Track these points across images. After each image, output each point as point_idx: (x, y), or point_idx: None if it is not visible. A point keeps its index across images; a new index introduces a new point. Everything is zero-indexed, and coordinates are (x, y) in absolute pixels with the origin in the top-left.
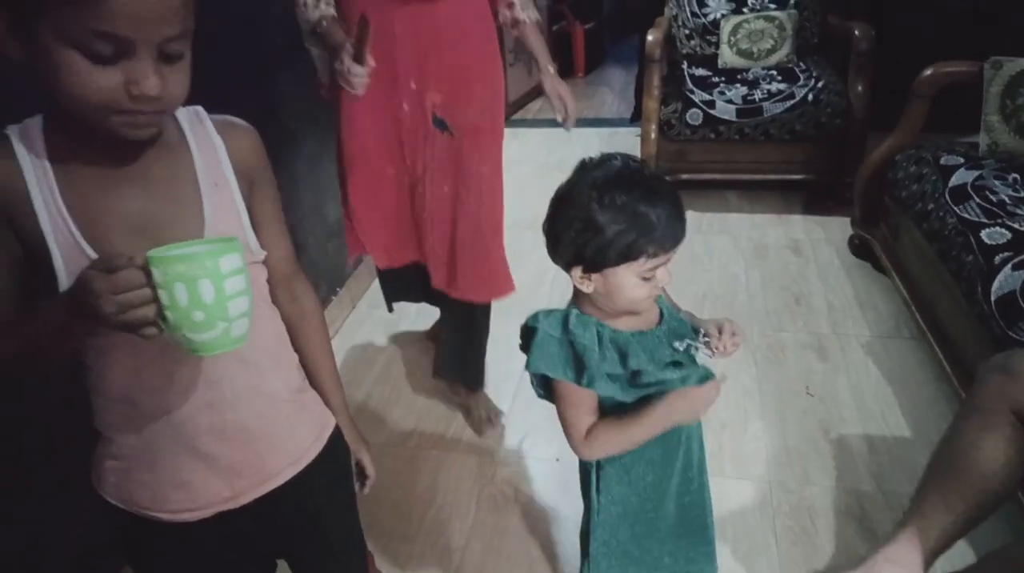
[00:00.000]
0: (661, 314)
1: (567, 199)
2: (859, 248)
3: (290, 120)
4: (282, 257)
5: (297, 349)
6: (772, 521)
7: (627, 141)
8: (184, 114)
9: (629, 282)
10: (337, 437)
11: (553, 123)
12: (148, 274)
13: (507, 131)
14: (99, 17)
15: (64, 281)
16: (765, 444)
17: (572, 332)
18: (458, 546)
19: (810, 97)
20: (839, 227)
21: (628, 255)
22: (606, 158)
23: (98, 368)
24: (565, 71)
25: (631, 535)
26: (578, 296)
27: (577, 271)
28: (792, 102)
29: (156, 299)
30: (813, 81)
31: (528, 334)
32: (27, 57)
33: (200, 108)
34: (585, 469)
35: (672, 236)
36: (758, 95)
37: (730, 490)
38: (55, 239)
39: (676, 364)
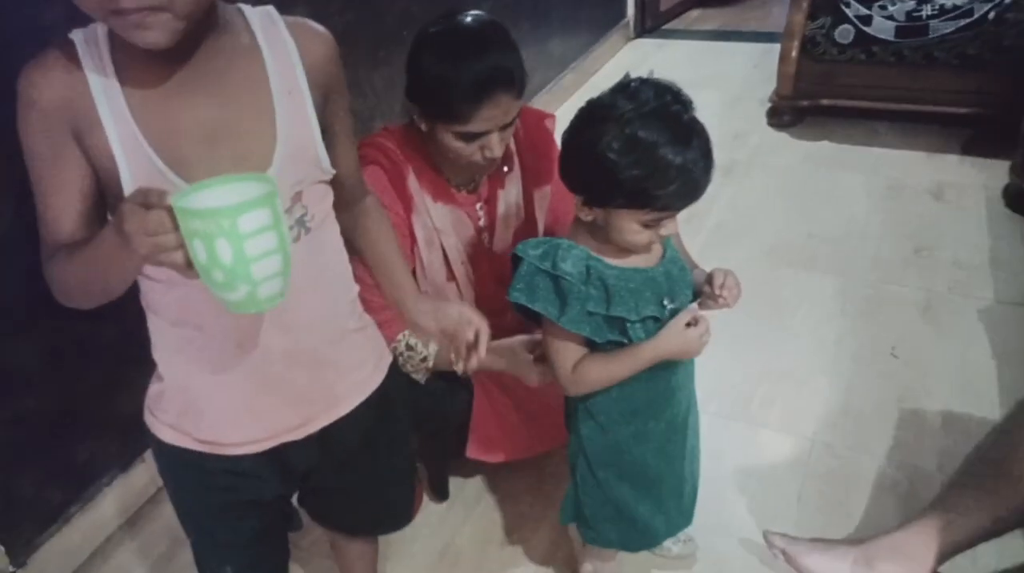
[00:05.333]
0: (664, 253)
1: (594, 121)
2: (1014, 199)
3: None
4: (351, 176)
5: (362, 247)
6: (802, 482)
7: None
8: (255, 15)
9: (629, 226)
10: (394, 368)
11: (708, 35)
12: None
13: (654, 41)
14: None
15: (130, 192)
16: (824, 401)
17: (559, 266)
18: None
19: (992, 15)
20: (1001, 173)
21: (634, 202)
22: (646, 86)
23: (158, 288)
24: None
25: (610, 476)
26: (578, 222)
27: (580, 199)
28: (968, 20)
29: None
30: None
31: (514, 263)
32: None
33: (272, 8)
34: (569, 402)
35: (686, 195)
36: (927, 11)
37: (768, 442)
38: (123, 151)
39: (656, 319)
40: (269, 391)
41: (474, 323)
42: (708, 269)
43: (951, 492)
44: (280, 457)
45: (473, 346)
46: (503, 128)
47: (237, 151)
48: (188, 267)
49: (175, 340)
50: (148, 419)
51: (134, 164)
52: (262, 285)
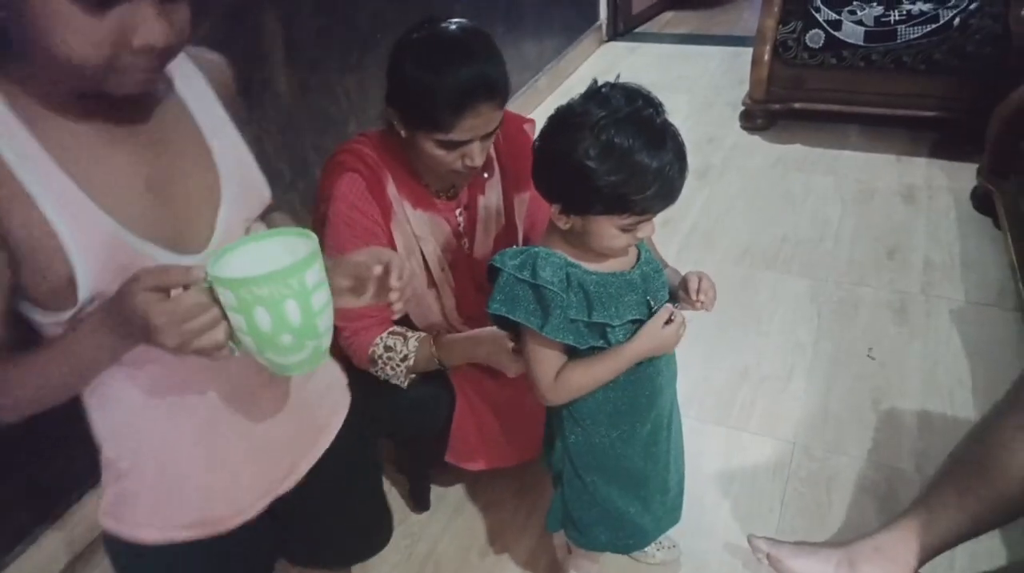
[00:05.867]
0: (638, 256)
1: (567, 129)
2: (982, 201)
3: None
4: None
5: None
6: (784, 485)
7: (749, 64)
8: None
9: (608, 232)
10: (352, 384)
11: (679, 39)
12: (210, 290)
13: (626, 44)
14: None
15: (81, 264)
16: (802, 404)
17: (539, 275)
18: None
19: (957, 21)
20: (968, 176)
21: (613, 208)
22: (617, 92)
23: (119, 375)
24: None
25: (598, 479)
26: (552, 229)
27: (557, 208)
28: (934, 26)
29: (225, 317)
30: (966, 2)
31: (492, 274)
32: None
33: None
34: (553, 409)
35: (664, 197)
36: (895, 16)
37: (749, 446)
38: (64, 218)
39: (635, 322)
40: (261, 447)
41: (383, 258)
42: (683, 272)
43: (931, 493)
44: (269, 511)
45: (385, 279)
46: (485, 137)
47: (186, 196)
48: (224, 346)
49: (143, 428)
50: (111, 525)
51: (81, 230)
52: (324, 337)
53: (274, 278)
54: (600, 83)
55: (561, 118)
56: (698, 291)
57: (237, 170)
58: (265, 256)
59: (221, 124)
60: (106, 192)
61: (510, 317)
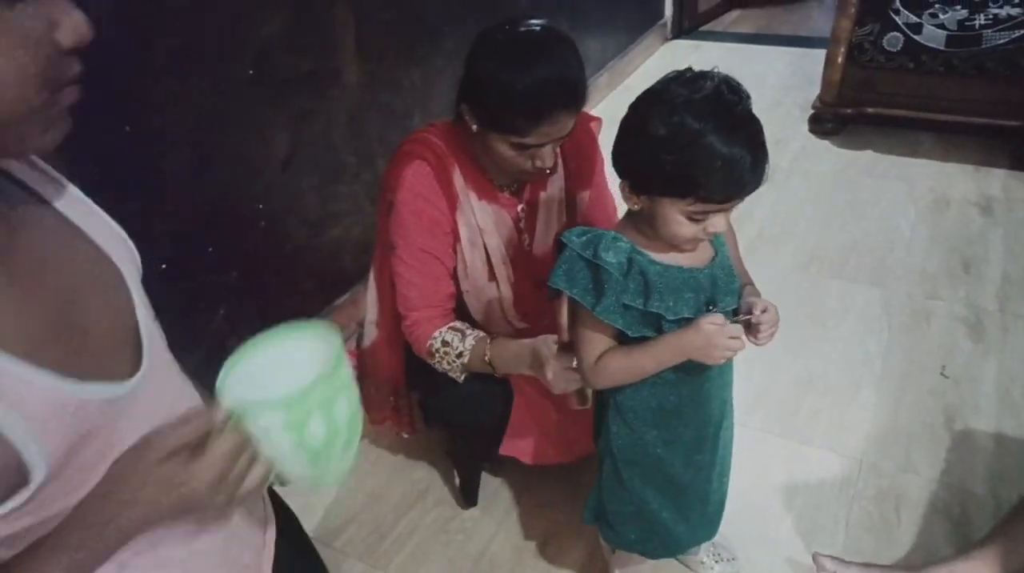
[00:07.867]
0: (714, 257)
1: (645, 104)
2: None
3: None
4: None
5: None
6: (849, 502)
7: (819, 65)
8: None
9: (674, 217)
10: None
11: (745, 38)
12: (237, 423)
13: (690, 43)
14: None
15: (29, 441)
16: (871, 418)
17: (600, 256)
18: None
19: None
20: None
21: (675, 190)
22: (703, 76)
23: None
24: None
25: (635, 477)
26: (627, 217)
27: (626, 184)
28: (1023, 31)
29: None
30: None
31: (559, 248)
32: None
33: None
34: (604, 395)
35: (731, 186)
36: (980, 20)
37: (813, 460)
38: None
39: (689, 320)
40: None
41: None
42: (754, 280)
43: (1011, 522)
44: None
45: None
46: (557, 140)
47: (98, 303)
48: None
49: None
50: None
51: (14, 399)
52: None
53: (327, 380)
54: (686, 70)
55: (643, 95)
56: (763, 311)
57: (132, 258)
58: (264, 366)
59: (63, 188)
60: (19, 340)
61: (566, 291)
